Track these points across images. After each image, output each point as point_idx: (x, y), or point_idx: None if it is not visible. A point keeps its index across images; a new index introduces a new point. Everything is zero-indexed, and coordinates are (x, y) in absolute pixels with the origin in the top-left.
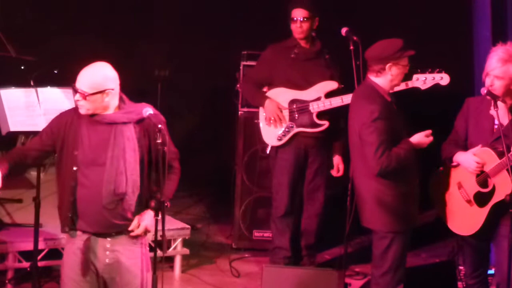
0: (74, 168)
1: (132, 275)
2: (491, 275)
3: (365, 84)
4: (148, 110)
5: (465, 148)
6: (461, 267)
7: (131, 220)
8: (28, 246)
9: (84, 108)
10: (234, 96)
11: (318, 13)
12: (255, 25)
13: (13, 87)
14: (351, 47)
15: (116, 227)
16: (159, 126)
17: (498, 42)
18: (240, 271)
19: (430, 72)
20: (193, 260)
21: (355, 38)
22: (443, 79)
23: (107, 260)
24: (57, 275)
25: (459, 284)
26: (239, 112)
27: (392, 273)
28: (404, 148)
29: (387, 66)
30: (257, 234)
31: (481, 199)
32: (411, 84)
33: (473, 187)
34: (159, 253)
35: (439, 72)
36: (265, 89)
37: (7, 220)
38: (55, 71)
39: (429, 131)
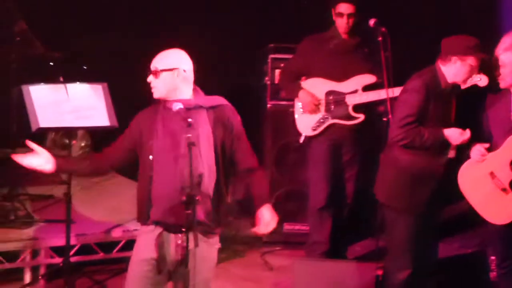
0: (150, 157)
1: (202, 271)
2: None
3: (430, 66)
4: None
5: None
6: (492, 257)
7: (203, 222)
8: (60, 241)
9: (157, 90)
10: (263, 89)
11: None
12: (283, 17)
13: (42, 84)
14: (380, 38)
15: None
16: (189, 120)
17: None
18: (271, 265)
19: None
20: (224, 253)
21: (383, 29)
22: (482, 80)
23: (177, 256)
24: (90, 270)
25: (491, 274)
26: (268, 105)
27: (399, 257)
28: (431, 132)
29: (453, 58)
30: (287, 227)
31: None
32: None
33: (508, 175)
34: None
35: (479, 72)
36: (303, 80)
37: (39, 216)
38: (84, 67)
39: (465, 131)
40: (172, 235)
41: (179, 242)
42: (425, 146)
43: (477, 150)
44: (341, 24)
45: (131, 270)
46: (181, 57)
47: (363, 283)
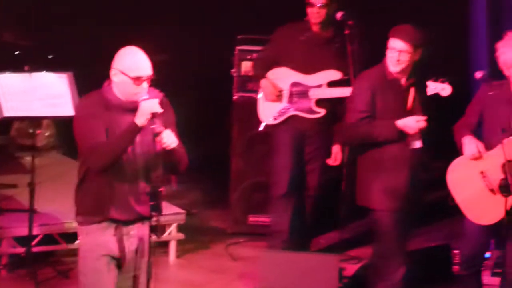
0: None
1: (145, 258)
2: (487, 258)
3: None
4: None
5: (475, 132)
6: (455, 251)
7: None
8: (23, 231)
9: (143, 95)
10: (229, 81)
11: None
12: (250, 9)
13: (7, 72)
14: (346, 31)
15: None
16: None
17: (493, 23)
18: (236, 256)
19: (433, 81)
20: (189, 245)
21: (350, 22)
22: (445, 90)
23: (131, 247)
24: (53, 260)
25: (454, 267)
26: (234, 97)
27: (388, 256)
28: (380, 125)
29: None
30: (252, 219)
31: (506, 188)
32: None
33: (498, 177)
34: (153, 238)
35: (443, 82)
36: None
37: (2, 205)
38: (50, 56)
39: (420, 117)
40: (125, 228)
41: (132, 233)
42: (378, 141)
43: (475, 147)
44: (311, 13)
45: (93, 267)
46: None
47: (326, 275)
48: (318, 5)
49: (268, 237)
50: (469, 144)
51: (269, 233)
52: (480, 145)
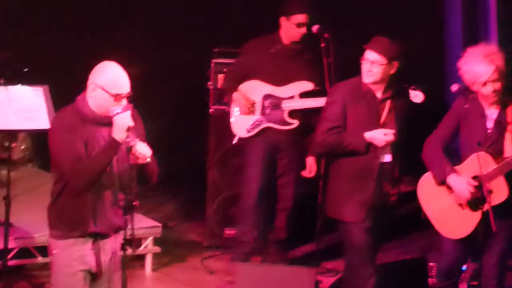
0: None
1: (118, 270)
2: (463, 271)
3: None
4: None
5: (448, 146)
6: (431, 264)
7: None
8: None
9: (115, 109)
10: (205, 94)
11: None
12: (227, 22)
13: None
14: (322, 45)
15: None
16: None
17: (468, 35)
18: (211, 269)
19: (405, 88)
20: (165, 258)
21: (326, 35)
22: (417, 96)
23: (106, 260)
24: (27, 274)
25: (429, 280)
26: (210, 110)
27: (357, 268)
28: (349, 136)
29: None
30: (228, 232)
31: (474, 203)
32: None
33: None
34: (129, 251)
35: (414, 89)
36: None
37: None
38: (25, 70)
39: (389, 131)
40: (101, 242)
41: (107, 246)
42: (346, 151)
43: (468, 190)
44: (296, 33)
45: (68, 282)
46: None
47: None
48: (305, 24)
49: (232, 248)
50: (461, 184)
51: (235, 244)
52: (473, 183)
